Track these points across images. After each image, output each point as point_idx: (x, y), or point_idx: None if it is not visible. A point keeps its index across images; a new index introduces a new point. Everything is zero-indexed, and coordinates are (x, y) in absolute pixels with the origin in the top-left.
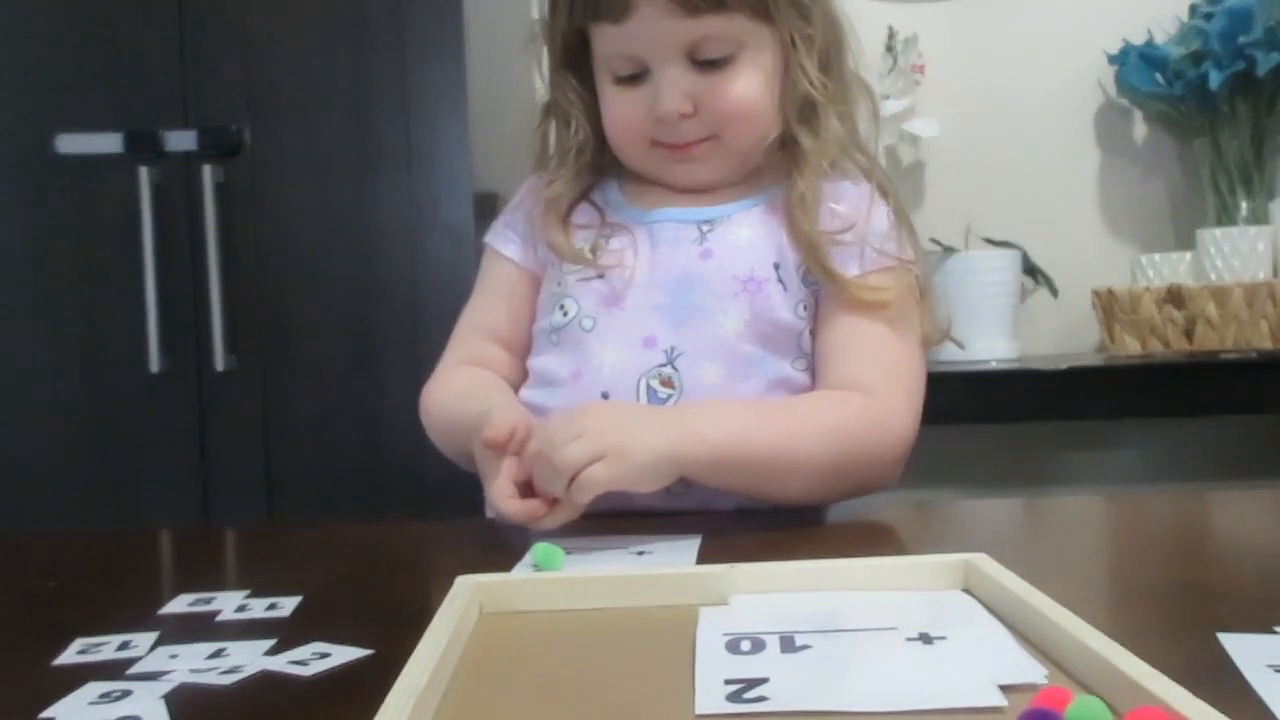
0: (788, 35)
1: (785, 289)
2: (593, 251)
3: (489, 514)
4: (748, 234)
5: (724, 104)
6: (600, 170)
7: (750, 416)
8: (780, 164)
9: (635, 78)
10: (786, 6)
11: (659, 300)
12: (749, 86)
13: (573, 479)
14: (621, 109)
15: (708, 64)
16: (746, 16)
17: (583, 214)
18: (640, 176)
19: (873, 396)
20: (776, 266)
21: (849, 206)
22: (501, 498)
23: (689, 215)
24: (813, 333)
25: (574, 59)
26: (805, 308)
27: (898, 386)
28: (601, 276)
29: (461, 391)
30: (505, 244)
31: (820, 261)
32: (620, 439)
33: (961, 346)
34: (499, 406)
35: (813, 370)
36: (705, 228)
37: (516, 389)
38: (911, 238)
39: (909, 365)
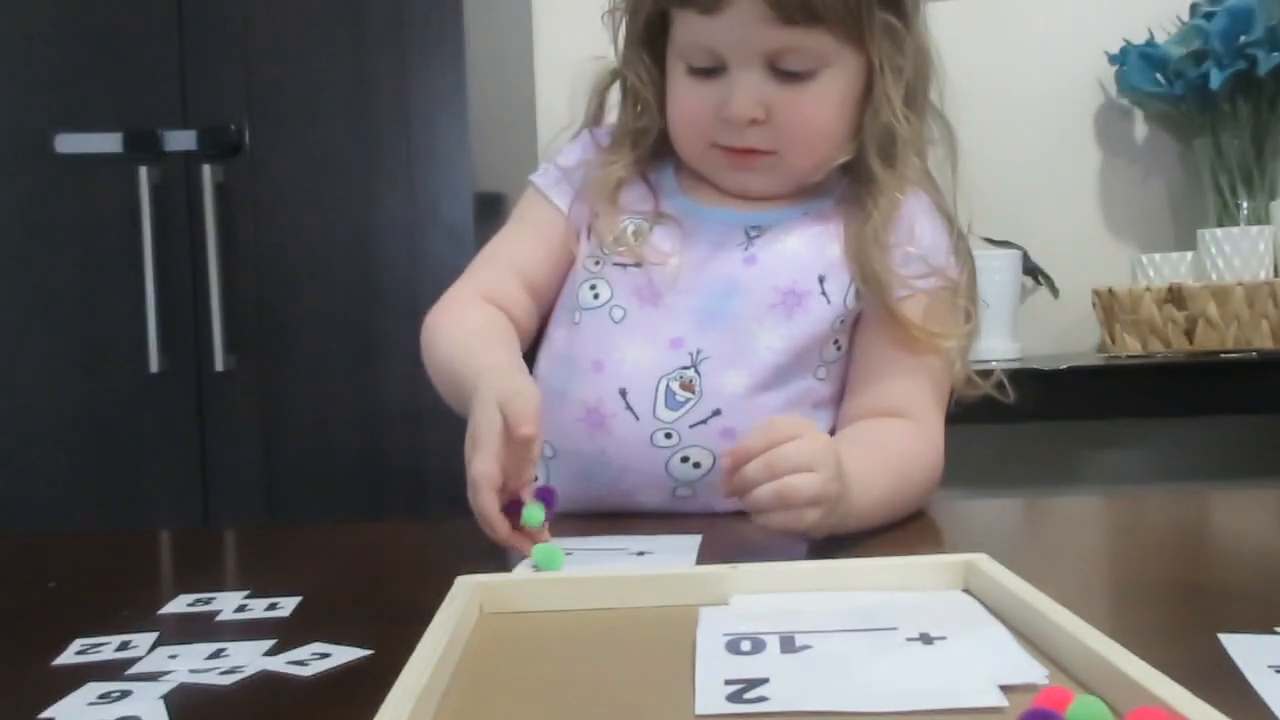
0: (878, 62)
1: (829, 303)
2: (635, 236)
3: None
4: (794, 243)
5: (794, 118)
6: (658, 153)
7: (886, 479)
8: (839, 179)
9: (710, 71)
10: (881, 33)
11: (694, 302)
12: (823, 106)
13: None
14: (689, 101)
15: (786, 74)
16: (838, 36)
17: (636, 191)
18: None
19: (921, 425)
20: (822, 279)
21: (917, 232)
22: (493, 514)
23: (738, 219)
24: (836, 344)
25: (652, 38)
26: (842, 321)
27: (938, 414)
28: (640, 266)
29: (470, 341)
30: (558, 193)
31: (887, 303)
32: (836, 490)
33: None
34: (520, 394)
35: (831, 379)
36: (753, 233)
37: (528, 337)
38: (969, 264)
39: (943, 398)
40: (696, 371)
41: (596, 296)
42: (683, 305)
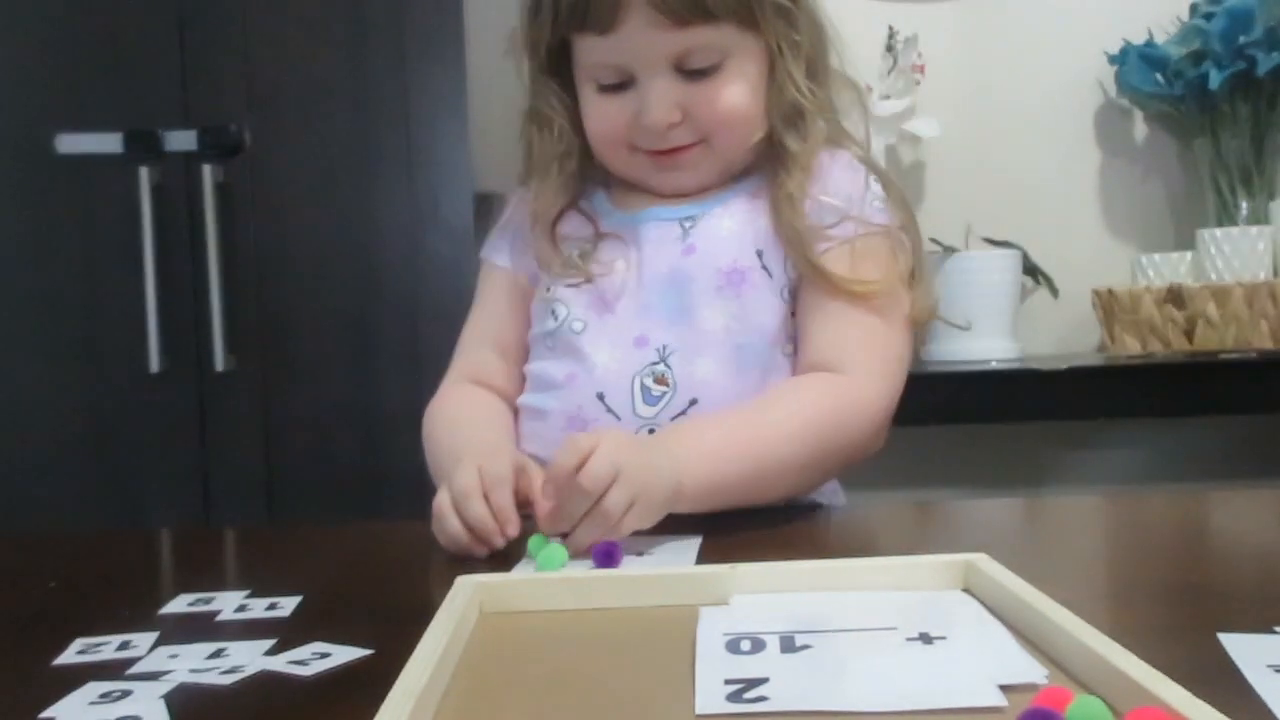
0: (774, 43)
1: (770, 276)
2: (581, 258)
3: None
4: (729, 224)
5: (710, 112)
6: (588, 178)
7: (726, 435)
8: (760, 157)
9: (619, 85)
10: (773, 15)
11: (647, 300)
12: (736, 94)
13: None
14: (604, 116)
15: (694, 73)
16: (734, 26)
17: (572, 222)
18: (626, 181)
19: (845, 375)
20: (760, 254)
21: (829, 183)
22: (487, 519)
23: (671, 213)
24: (794, 313)
25: (556, 66)
26: (790, 292)
27: (873, 362)
28: (590, 282)
29: (451, 427)
30: (498, 255)
31: (806, 257)
32: (645, 479)
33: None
34: (499, 456)
35: None
36: (687, 224)
37: (517, 396)
38: (904, 210)
39: (886, 340)
40: (666, 365)
41: (556, 318)
42: (636, 306)
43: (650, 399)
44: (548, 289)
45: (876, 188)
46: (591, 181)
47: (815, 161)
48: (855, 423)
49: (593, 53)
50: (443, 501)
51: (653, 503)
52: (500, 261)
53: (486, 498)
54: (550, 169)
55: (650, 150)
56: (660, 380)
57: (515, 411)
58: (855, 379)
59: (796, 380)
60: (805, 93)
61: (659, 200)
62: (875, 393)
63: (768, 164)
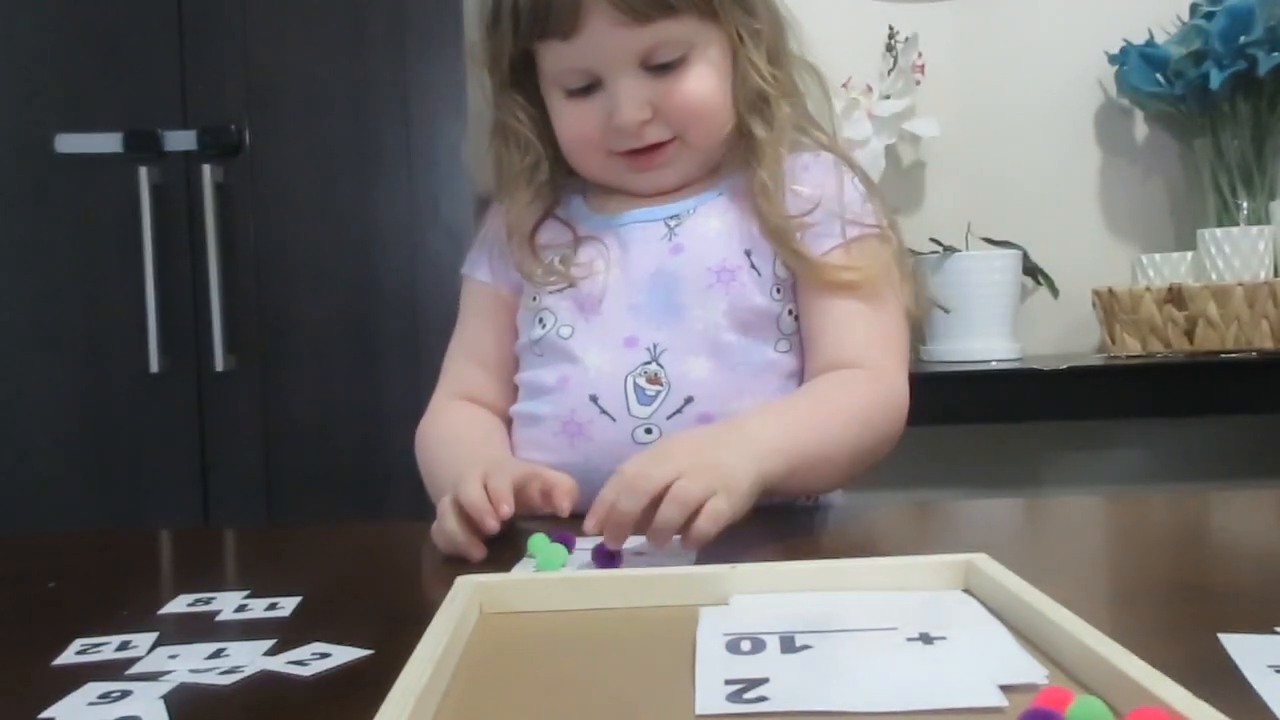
0: (734, 32)
1: (759, 275)
2: (562, 263)
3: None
4: (716, 224)
5: (681, 105)
6: (561, 187)
7: (801, 419)
8: (737, 152)
9: (587, 89)
10: (732, 3)
11: (635, 300)
12: (705, 84)
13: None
14: (575, 122)
15: (660, 68)
16: (695, 17)
17: (550, 231)
18: (603, 186)
19: (873, 370)
20: (748, 253)
21: (813, 183)
22: (482, 501)
23: (654, 213)
24: (791, 313)
25: (518, 77)
26: (780, 291)
27: (891, 356)
28: (573, 286)
29: (448, 443)
30: (479, 270)
31: (791, 247)
32: (722, 471)
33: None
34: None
35: (795, 350)
36: (673, 223)
37: (506, 410)
38: (884, 209)
39: (894, 332)
40: (659, 364)
41: (544, 326)
42: (623, 305)
43: (644, 398)
44: (534, 298)
45: (862, 188)
46: (567, 190)
47: (792, 158)
48: (892, 413)
49: (557, 59)
50: (445, 503)
51: (740, 490)
52: (481, 276)
53: (485, 486)
54: (520, 183)
55: (625, 152)
56: (654, 380)
57: (508, 424)
58: (885, 374)
59: (839, 374)
60: (768, 78)
61: (640, 202)
62: (901, 383)
63: (743, 159)
